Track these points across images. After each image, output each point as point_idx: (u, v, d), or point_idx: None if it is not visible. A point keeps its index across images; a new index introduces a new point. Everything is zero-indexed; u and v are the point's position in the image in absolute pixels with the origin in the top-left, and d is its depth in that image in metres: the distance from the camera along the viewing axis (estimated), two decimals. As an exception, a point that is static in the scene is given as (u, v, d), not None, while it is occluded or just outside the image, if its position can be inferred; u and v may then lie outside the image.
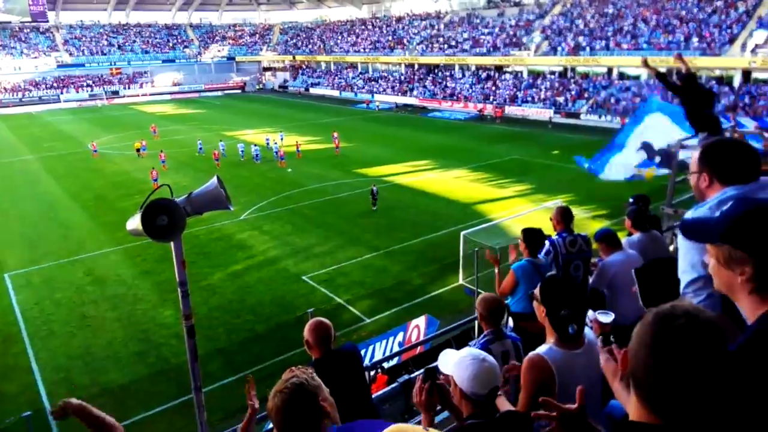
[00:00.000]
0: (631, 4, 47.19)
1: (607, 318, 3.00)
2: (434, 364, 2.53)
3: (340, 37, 75.72)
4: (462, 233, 16.19)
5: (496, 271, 5.18)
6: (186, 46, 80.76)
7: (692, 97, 6.27)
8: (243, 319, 14.06)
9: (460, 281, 15.32)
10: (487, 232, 16.90)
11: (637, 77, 44.16)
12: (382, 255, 17.65)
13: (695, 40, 39.64)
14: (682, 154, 6.57)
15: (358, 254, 17.73)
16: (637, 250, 4.98)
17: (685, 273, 2.21)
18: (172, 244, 2.65)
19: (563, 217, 5.06)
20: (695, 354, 1.17)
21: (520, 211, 19.72)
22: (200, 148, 34.45)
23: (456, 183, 25.91)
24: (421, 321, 11.74)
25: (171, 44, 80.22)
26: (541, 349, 2.64)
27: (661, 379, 1.20)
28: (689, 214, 1.91)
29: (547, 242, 4.91)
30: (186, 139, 39.18)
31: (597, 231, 5.09)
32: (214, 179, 2.71)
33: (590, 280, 4.91)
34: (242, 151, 32.92)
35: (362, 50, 69.36)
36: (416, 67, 62.14)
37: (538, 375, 2.59)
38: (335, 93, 67.39)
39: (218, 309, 14.56)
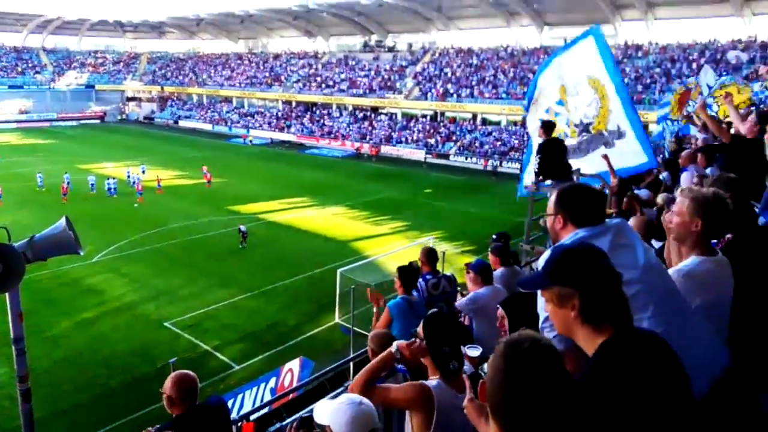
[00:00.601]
0: (492, 57, 52.04)
1: (475, 352, 3.08)
2: (309, 413, 2.40)
3: (213, 70, 73.76)
4: (338, 271, 16.15)
5: (375, 309, 5.19)
6: (37, 72, 73.21)
7: (549, 146, 6.84)
8: (94, 373, 12.52)
9: (337, 320, 15.19)
10: (364, 269, 17.05)
11: (498, 123, 48.46)
12: (256, 295, 16.96)
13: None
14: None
15: (229, 296, 16.84)
16: (502, 284, 5.28)
17: (541, 309, 2.36)
18: (7, 295, 2.29)
19: (428, 259, 5.22)
20: (539, 372, 1.36)
21: (395, 248, 20.24)
22: (40, 182, 30.78)
23: (334, 220, 26.02)
24: (295, 364, 11.29)
25: (20, 69, 72.27)
26: (431, 383, 2.63)
27: (514, 399, 1.35)
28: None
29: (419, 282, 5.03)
30: (31, 171, 35.09)
31: (474, 262, 5.33)
32: (62, 221, 2.38)
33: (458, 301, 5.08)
34: (93, 184, 30.16)
35: (238, 85, 68.12)
36: (294, 104, 62.35)
37: (418, 397, 2.55)
38: (207, 126, 65.01)
39: (64, 363, 12.85)
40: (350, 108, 58.06)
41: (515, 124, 46.95)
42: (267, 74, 67.20)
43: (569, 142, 7.18)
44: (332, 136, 54.60)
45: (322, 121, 57.92)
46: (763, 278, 3.03)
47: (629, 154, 6.59)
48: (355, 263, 17.83)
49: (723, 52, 39.32)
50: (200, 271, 18.88)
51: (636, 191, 6.80)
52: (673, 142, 11.00)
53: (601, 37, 6.69)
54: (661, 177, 7.53)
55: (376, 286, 15.09)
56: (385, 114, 55.74)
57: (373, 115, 55.83)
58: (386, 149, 49.55)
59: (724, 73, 36.43)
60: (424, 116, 52.83)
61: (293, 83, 63.35)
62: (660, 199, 5.72)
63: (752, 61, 35.69)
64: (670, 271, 2.66)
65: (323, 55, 66.87)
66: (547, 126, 6.75)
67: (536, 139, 7.32)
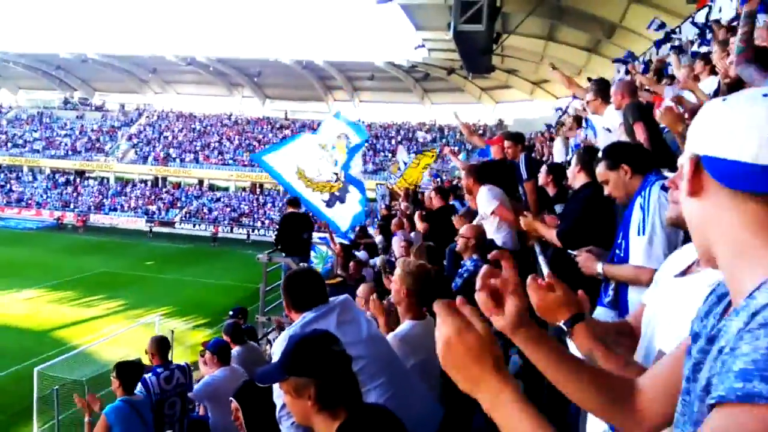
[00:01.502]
0: (216, 123, 51.85)
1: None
2: None
3: None
4: (36, 369, 13.23)
5: (86, 419, 4.36)
6: None
7: (289, 220, 7.01)
8: None
9: (35, 430, 12.29)
10: (71, 363, 14.31)
11: (226, 189, 47.98)
12: None
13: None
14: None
15: None
16: (239, 363, 5.08)
17: (278, 398, 2.34)
18: None
19: (159, 349, 4.71)
20: None
21: (113, 332, 17.68)
22: None
23: (28, 307, 21.40)
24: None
25: None
26: None
27: None
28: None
29: (139, 383, 4.43)
30: None
31: (210, 341, 4.99)
32: None
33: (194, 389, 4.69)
34: None
35: None
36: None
37: None
38: None
39: None
40: (47, 171, 50.03)
41: (244, 189, 47.27)
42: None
43: (323, 197, 7.58)
44: (23, 204, 45.95)
45: (9, 186, 48.29)
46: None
47: (341, 218, 7.38)
48: (59, 357, 14.84)
49: (414, 131, 47.58)
50: None
51: (356, 253, 7.50)
52: (384, 208, 12.67)
53: (341, 118, 7.71)
54: (377, 240, 8.54)
55: (90, 382, 12.85)
56: (95, 179, 49.72)
57: (79, 180, 49.11)
58: (97, 218, 43.97)
59: (416, 149, 43.91)
60: (143, 181, 48.90)
61: (-34, 140, 51.66)
62: (378, 261, 6.42)
63: (434, 140, 43.98)
64: (388, 337, 2.96)
65: (9, 110, 56.67)
66: (292, 202, 6.95)
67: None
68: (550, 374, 1.04)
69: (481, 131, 43.95)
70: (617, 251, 2.48)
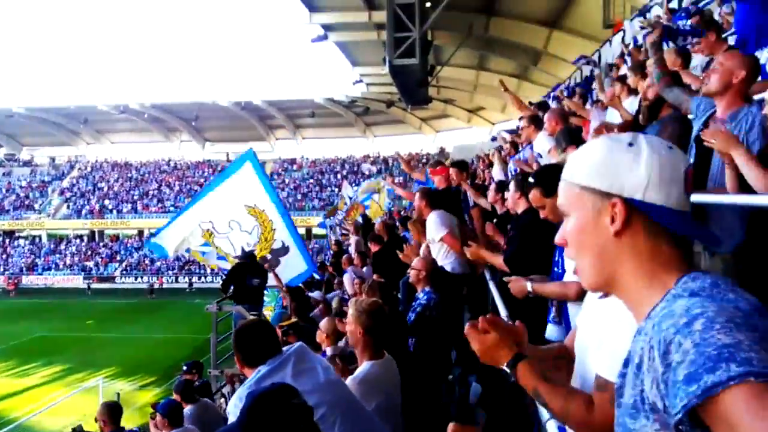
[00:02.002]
0: (154, 171, 50.38)
1: None
2: None
3: None
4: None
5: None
6: None
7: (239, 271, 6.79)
8: None
9: None
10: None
11: (168, 237, 46.32)
12: None
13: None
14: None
15: None
16: (193, 423, 4.82)
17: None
18: None
19: (111, 416, 4.42)
20: None
21: (54, 401, 16.44)
22: None
23: (-45, 382, 19.67)
24: None
25: None
26: None
27: None
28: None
29: None
30: None
31: (161, 403, 4.71)
32: None
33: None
34: None
35: None
36: None
37: None
38: None
39: None
40: (-27, 234, 46.95)
41: (187, 236, 45.82)
42: None
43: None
44: (-53, 270, 42.72)
45: (-71, 253, 44.88)
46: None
47: (293, 266, 7.24)
48: (-6, 433, 13.67)
49: (358, 164, 47.93)
50: None
51: (309, 294, 7.37)
52: (334, 244, 12.60)
53: (255, 160, 7.19)
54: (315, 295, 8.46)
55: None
56: (25, 238, 46.96)
57: (8, 241, 46.24)
58: (30, 279, 41.38)
59: (360, 181, 44.19)
60: (79, 237, 46.56)
61: None
62: (334, 302, 6.33)
63: (380, 171, 44.42)
64: (348, 380, 2.88)
65: (-72, 172, 53.12)
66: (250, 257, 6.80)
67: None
68: (543, 398, 1.24)
69: (424, 160, 44.91)
70: (555, 268, 2.55)
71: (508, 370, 1.27)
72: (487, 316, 1.36)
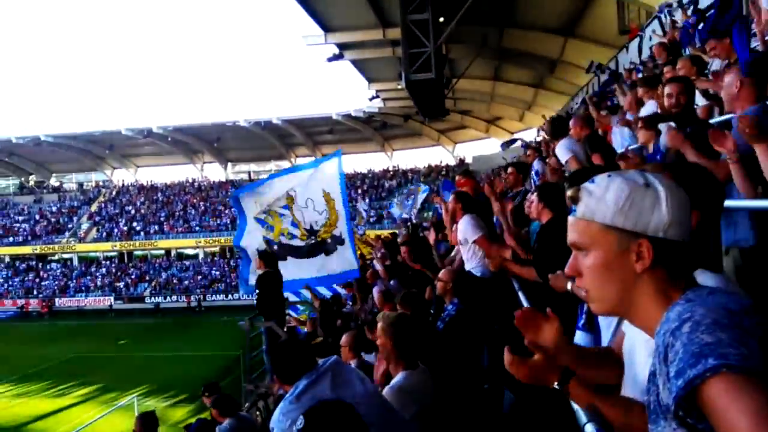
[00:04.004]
0: (179, 192, 51.39)
1: None
2: None
3: None
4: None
5: None
6: None
7: (267, 280, 6.89)
8: None
9: None
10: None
11: (195, 256, 47.10)
12: None
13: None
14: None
15: None
16: (231, 438, 4.96)
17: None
18: None
19: (148, 426, 4.59)
20: None
21: (89, 419, 16.82)
22: None
23: (-5, 404, 20.26)
24: None
25: None
26: None
27: None
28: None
29: None
30: None
31: (192, 425, 4.86)
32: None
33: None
34: None
35: None
36: None
37: None
38: None
39: None
40: (7, 260, 48.35)
41: (214, 255, 46.53)
42: None
43: (297, 243, 7.67)
44: (-17, 296, 44.07)
45: (-33, 279, 46.36)
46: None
47: (345, 260, 7.59)
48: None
49: (379, 179, 48.19)
50: None
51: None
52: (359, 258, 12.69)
53: (340, 160, 7.92)
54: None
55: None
56: (57, 261, 48.20)
57: (40, 265, 47.53)
58: (62, 302, 42.41)
59: (382, 195, 44.41)
60: (108, 259, 47.64)
61: None
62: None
63: (399, 185, 44.57)
64: (385, 391, 2.98)
65: (-38, 201, 55.07)
66: (267, 257, 6.85)
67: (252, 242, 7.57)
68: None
69: (443, 172, 44.91)
70: None
71: (560, 388, 1.28)
72: (524, 309, 1.47)
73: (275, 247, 7.50)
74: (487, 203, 5.19)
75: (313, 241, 7.69)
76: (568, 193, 1.05)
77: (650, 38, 10.68)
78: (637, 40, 11.92)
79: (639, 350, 1.30)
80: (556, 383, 1.27)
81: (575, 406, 1.36)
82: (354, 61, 23.12)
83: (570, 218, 1.04)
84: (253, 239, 7.56)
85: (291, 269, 7.41)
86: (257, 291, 6.55)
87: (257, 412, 6.28)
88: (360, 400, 2.52)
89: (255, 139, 48.88)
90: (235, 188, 49.14)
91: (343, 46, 21.11)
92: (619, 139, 5.20)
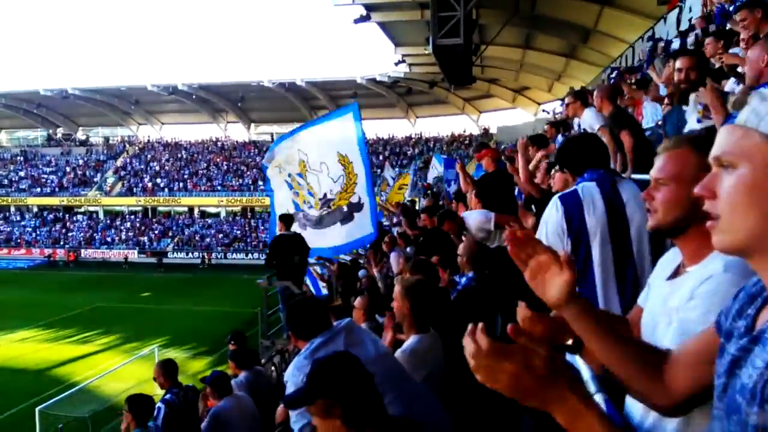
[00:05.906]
0: (202, 151, 51.84)
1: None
2: None
3: None
4: (37, 409, 13.10)
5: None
6: None
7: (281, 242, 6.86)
8: None
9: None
10: (73, 400, 14.20)
11: (217, 215, 47.83)
12: None
13: (261, 183, 46.30)
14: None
15: None
16: (246, 389, 5.11)
17: (295, 423, 2.44)
18: None
19: (167, 372, 4.75)
20: None
21: (111, 366, 17.52)
22: None
23: (22, 348, 21.16)
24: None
25: None
26: None
27: None
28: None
29: (161, 405, 4.46)
30: None
31: (209, 375, 5.00)
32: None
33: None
34: None
35: None
36: (-49, 208, 50.19)
37: None
38: None
39: None
40: (35, 210, 49.71)
41: (235, 215, 47.17)
42: None
43: (312, 212, 7.42)
44: (12, 243, 45.54)
45: (-3, 226, 47.93)
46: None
47: (362, 225, 7.09)
48: (59, 395, 14.70)
49: (401, 146, 47.88)
50: None
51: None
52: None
53: (358, 113, 7.11)
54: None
55: (92, 418, 12.69)
56: (83, 213, 49.41)
57: (67, 216, 48.80)
58: (88, 253, 43.66)
59: (403, 162, 44.16)
60: (133, 213, 48.66)
61: (-51, 183, 51.26)
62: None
63: (421, 153, 44.23)
64: (396, 353, 3.04)
65: (-6, 151, 56.41)
66: (285, 219, 6.85)
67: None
68: (594, 344, 1.11)
69: (467, 141, 44.35)
70: None
71: (574, 353, 1.24)
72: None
73: (300, 213, 7.35)
74: (506, 174, 5.12)
75: (326, 212, 7.30)
76: (737, 96, 0.94)
77: (690, 9, 10.25)
78: (675, 11, 11.44)
79: (661, 325, 1.29)
80: (570, 340, 1.24)
81: (584, 376, 1.36)
82: (381, 24, 22.69)
83: (725, 126, 0.86)
84: (284, 200, 7.47)
85: (311, 239, 7.23)
86: (269, 252, 6.55)
87: (272, 367, 6.47)
88: (372, 360, 2.58)
89: (278, 100, 48.74)
90: (257, 149, 49.51)
91: (370, 7, 20.68)
92: (650, 114, 5.05)
